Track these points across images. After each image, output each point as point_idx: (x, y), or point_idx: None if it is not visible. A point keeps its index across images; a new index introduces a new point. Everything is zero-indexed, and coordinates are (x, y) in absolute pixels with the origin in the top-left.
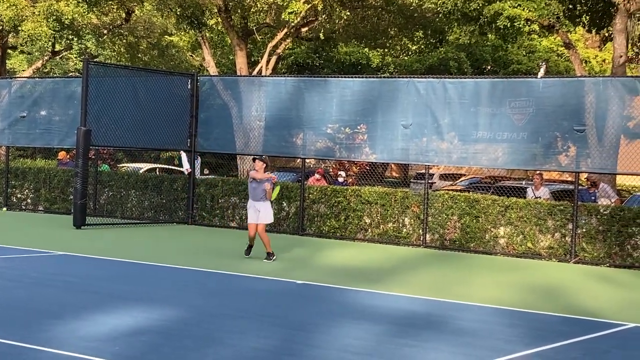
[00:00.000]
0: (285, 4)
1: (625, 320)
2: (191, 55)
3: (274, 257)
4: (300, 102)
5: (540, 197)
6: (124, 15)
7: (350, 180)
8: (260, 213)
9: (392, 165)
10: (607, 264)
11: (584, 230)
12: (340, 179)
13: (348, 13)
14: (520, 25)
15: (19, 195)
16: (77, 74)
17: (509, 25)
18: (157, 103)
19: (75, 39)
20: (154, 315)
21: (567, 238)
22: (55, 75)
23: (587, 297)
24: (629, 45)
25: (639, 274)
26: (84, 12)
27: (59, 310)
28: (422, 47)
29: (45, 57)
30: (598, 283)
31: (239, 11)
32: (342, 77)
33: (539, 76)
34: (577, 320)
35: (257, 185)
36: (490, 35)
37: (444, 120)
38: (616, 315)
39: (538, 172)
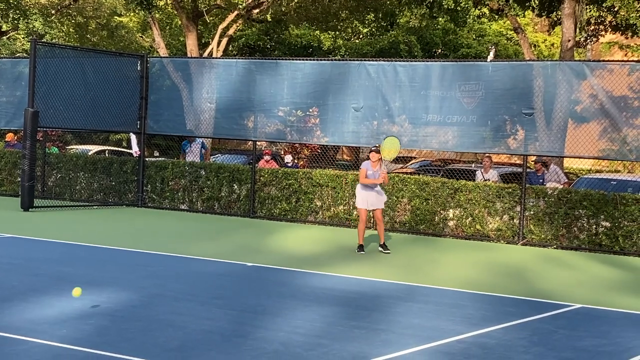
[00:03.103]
0: None
1: (572, 301)
2: (141, 37)
3: (388, 250)
4: (252, 84)
5: (489, 180)
6: None
7: (302, 163)
8: (379, 196)
9: (344, 148)
10: (554, 246)
11: (531, 212)
12: (289, 163)
13: None
14: (465, 5)
15: None
16: (25, 54)
17: (453, 6)
18: (107, 84)
19: (22, 19)
20: (102, 298)
21: (515, 220)
22: (2, 55)
23: (535, 279)
24: (577, 29)
25: (586, 256)
26: None
27: (6, 294)
28: (373, 30)
29: None
30: (545, 264)
31: None
32: (293, 59)
33: (488, 60)
34: (525, 301)
35: (373, 173)
36: (440, 19)
37: (394, 104)
38: (563, 296)
39: (487, 155)
